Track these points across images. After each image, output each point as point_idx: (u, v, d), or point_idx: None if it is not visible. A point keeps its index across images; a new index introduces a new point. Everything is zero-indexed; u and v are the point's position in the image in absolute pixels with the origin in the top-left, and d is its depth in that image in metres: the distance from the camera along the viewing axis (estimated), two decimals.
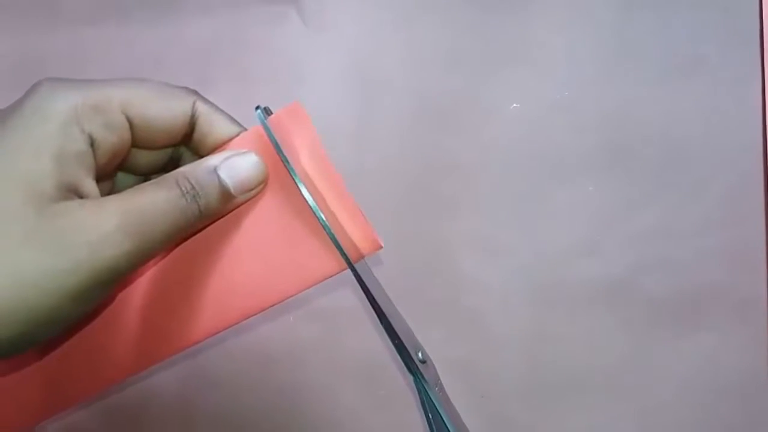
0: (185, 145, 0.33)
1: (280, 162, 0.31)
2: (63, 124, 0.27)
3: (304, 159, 0.31)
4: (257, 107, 0.31)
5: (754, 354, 0.42)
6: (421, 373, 0.29)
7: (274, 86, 0.46)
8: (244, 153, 0.31)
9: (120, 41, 0.47)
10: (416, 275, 0.44)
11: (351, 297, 0.44)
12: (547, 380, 0.43)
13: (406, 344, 0.28)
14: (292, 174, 0.30)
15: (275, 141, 0.30)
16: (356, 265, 0.30)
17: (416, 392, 0.29)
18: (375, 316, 0.38)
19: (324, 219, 0.30)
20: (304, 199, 0.30)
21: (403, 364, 0.29)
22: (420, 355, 0.30)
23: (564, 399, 0.43)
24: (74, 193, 0.27)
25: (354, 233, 0.31)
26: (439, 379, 0.31)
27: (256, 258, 0.32)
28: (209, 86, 0.46)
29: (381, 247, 0.31)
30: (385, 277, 0.43)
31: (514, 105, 0.45)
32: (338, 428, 0.44)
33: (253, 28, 0.46)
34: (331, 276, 0.31)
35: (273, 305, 0.32)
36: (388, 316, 0.29)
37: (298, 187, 0.30)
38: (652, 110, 0.44)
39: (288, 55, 0.46)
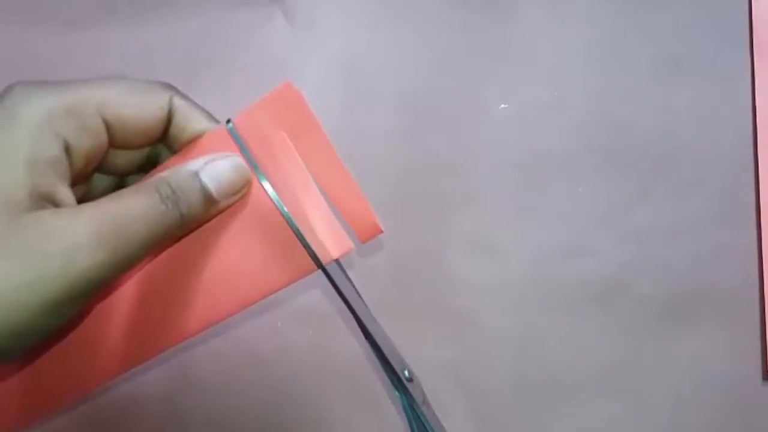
0: (162, 142, 0.32)
1: (265, 154, 0.30)
2: (36, 129, 0.26)
3: (297, 143, 0.30)
4: (228, 120, 0.30)
5: (747, 354, 0.42)
6: (408, 392, 0.28)
7: (260, 87, 0.45)
8: (226, 156, 0.30)
9: (105, 42, 0.46)
10: (407, 276, 0.44)
11: (340, 302, 0.43)
12: (539, 381, 0.43)
13: (392, 363, 0.28)
14: (259, 176, 0.29)
15: (246, 152, 0.30)
16: (341, 284, 0.29)
17: (402, 410, 0.28)
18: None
19: (293, 222, 0.29)
20: (271, 198, 0.29)
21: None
22: (407, 373, 0.29)
23: (557, 399, 0.43)
24: (48, 201, 0.26)
25: (353, 218, 0.30)
26: (425, 396, 0.30)
27: (238, 253, 0.31)
28: (195, 86, 0.45)
29: (381, 232, 0.30)
30: (376, 279, 0.43)
31: (503, 105, 0.44)
32: (328, 431, 0.43)
33: (238, 28, 0.46)
34: (310, 273, 0.31)
35: (255, 302, 0.31)
36: (373, 335, 0.28)
37: (262, 185, 0.29)
38: (643, 109, 0.44)
39: (274, 56, 0.46)
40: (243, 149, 0.29)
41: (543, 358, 0.43)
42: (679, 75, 0.43)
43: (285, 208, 0.29)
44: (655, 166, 0.43)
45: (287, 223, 0.29)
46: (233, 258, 0.31)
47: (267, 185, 0.29)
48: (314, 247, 0.29)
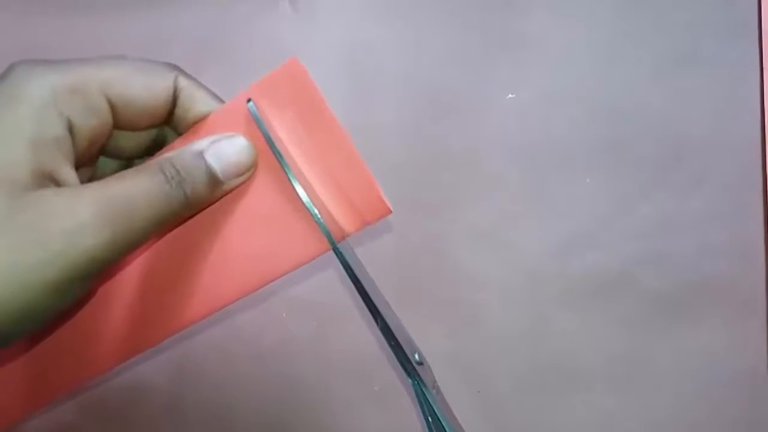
0: (168, 124, 0.31)
1: (271, 131, 0.29)
2: (39, 107, 0.26)
3: (304, 122, 0.30)
4: (248, 100, 0.30)
5: (754, 349, 0.42)
6: (419, 376, 0.28)
7: (264, 74, 0.45)
8: (232, 136, 0.29)
9: (108, 31, 0.46)
10: (412, 269, 0.43)
11: (344, 292, 0.43)
12: (545, 375, 0.43)
13: (403, 346, 0.28)
14: (279, 157, 0.29)
15: (266, 132, 0.29)
16: (354, 265, 0.29)
17: (414, 395, 0.28)
18: (368, 312, 0.37)
19: (310, 202, 0.28)
20: (290, 181, 0.29)
21: (399, 365, 0.28)
22: (417, 356, 0.29)
23: (562, 393, 0.42)
24: (51, 180, 0.26)
25: (359, 198, 0.29)
26: (435, 381, 0.30)
27: (246, 236, 0.30)
28: (199, 74, 0.45)
29: (390, 212, 0.30)
30: (382, 272, 0.42)
31: (510, 95, 0.44)
32: (332, 424, 0.43)
33: (243, 16, 0.46)
34: (323, 253, 0.30)
35: (265, 285, 0.31)
36: (384, 317, 0.28)
37: (283, 167, 0.29)
38: (650, 103, 0.43)
39: (279, 45, 0.45)
40: (262, 127, 0.29)
41: (547, 351, 0.43)
42: (687, 69, 0.43)
43: (300, 186, 0.29)
44: (662, 160, 0.43)
45: (300, 201, 0.29)
46: (241, 239, 0.30)
47: (284, 164, 0.29)
48: (327, 225, 0.28)
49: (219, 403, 0.43)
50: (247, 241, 0.30)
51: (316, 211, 0.28)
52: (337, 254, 0.29)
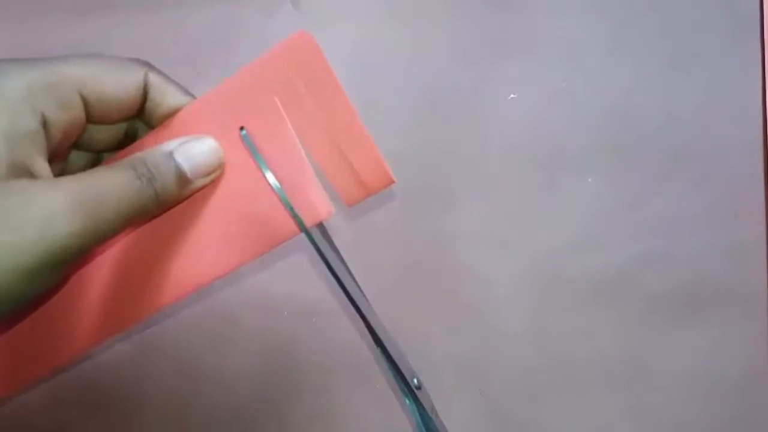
0: (139, 118, 0.33)
1: (256, 118, 0.30)
2: (14, 103, 0.27)
3: (313, 93, 0.30)
4: (241, 128, 0.30)
5: (755, 349, 0.42)
6: (418, 400, 0.28)
7: None
8: (201, 138, 0.31)
9: (113, 32, 0.46)
10: (415, 269, 0.44)
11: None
12: (547, 375, 0.43)
13: (402, 371, 0.28)
14: (258, 160, 0.30)
15: (256, 153, 0.30)
16: (326, 251, 0.29)
17: (412, 418, 0.28)
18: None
19: (279, 187, 0.29)
20: (263, 174, 0.30)
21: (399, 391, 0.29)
22: (416, 381, 0.29)
23: (564, 394, 0.43)
24: (25, 172, 0.27)
25: (363, 168, 0.30)
26: (433, 406, 0.31)
27: (219, 220, 0.31)
28: (203, 76, 0.45)
29: (393, 181, 0.31)
30: (382, 271, 0.43)
31: (512, 95, 0.44)
32: (333, 422, 0.44)
33: (247, 18, 0.46)
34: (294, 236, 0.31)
35: (235, 270, 0.32)
36: (384, 342, 0.28)
37: (259, 165, 0.30)
38: (652, 102, 0.43)
39: None
40: (254, 152, 0.30)
41: (551, 351, 0.43)
42: (688, 68, 0.43)
43: (271, 175, 0.29)
44: (663, 160, 0.43)
45: (272, 188, 0.30)
46: (213, 225, 0.31)
47: (259, 159, 0.30)
48: (299, 212, 0.29)
49: (221, 402, 0.44)
50: (221, 225, 0.31)
51: (285, 196, 0.29)
52: (307, 236, 0.30)
